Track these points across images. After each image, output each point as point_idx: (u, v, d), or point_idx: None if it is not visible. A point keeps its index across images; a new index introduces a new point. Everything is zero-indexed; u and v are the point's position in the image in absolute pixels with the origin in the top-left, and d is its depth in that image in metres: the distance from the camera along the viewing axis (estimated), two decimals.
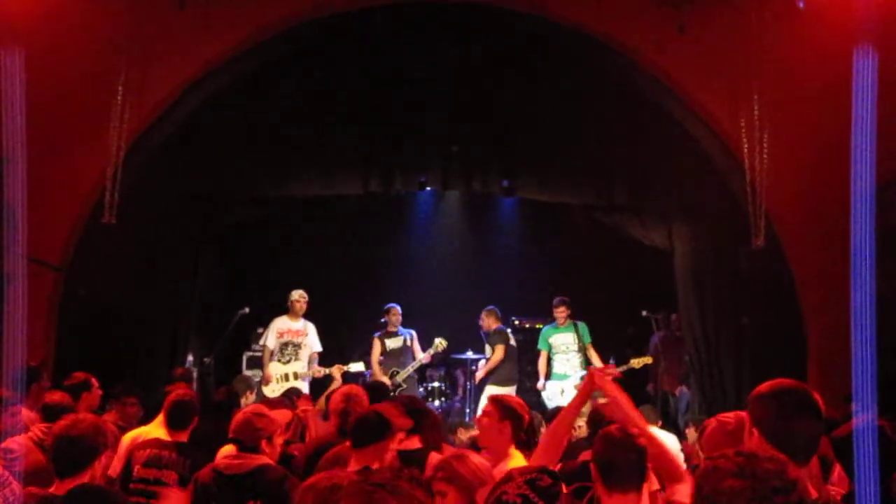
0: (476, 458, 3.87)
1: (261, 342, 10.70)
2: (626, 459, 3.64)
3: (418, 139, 10.83)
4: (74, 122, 9.05)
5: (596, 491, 3.74)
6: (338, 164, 10.97)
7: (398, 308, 10.93)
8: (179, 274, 11.04)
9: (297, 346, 10.58)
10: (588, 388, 4.26)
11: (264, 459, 4.68)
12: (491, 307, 11.14)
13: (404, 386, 10.39)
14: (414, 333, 10.90)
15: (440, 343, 10.67)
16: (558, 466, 4.28)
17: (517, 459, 4.53)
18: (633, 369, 10.56)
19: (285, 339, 10.57)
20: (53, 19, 8.19)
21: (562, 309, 10.83)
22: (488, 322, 11.02)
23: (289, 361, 10.50)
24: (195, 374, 10.27)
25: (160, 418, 5.78)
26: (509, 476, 2.99)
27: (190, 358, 11.17)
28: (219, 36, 9.50)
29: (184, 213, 10.65)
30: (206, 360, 10.90)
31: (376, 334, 10.84)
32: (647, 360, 10.65)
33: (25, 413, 6.76)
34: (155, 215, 10.07)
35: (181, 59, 9.46)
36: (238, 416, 4.89)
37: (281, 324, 10.64)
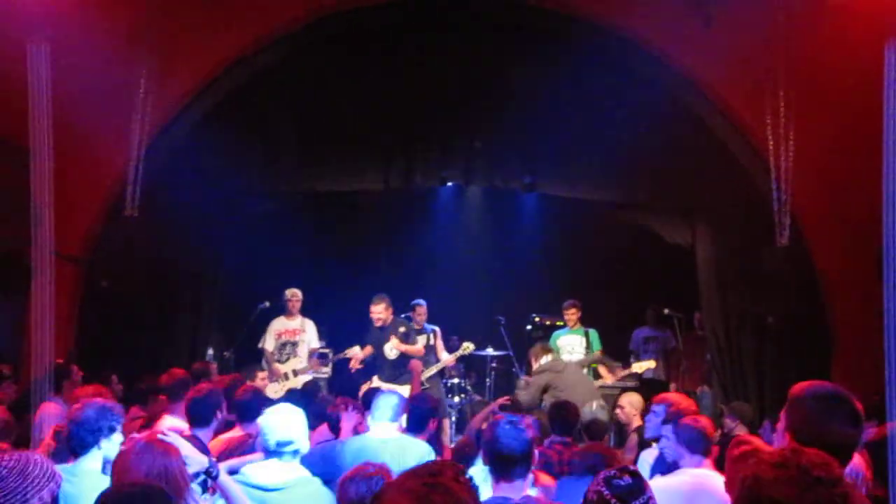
0: None
1: (259, 345, 10.72)
2: (513, 449, 3.78)
3: (440, 134, 10.80)
4: (97, 114, 9.07)
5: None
6: (359, 159, 10.96)
7: (425, 305, 10.84)
8: (200, 267, 11.07)
9: (295, 345, 10.61)
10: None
11: (301, 470, 4.40)
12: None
13: (427, 385, 10.34)
14: (438, 330, 10.83)
15: (467, 347, 10.61)
16: None
17: None
18: (637, 374, 10.56)
19: (283, 339, 10.63)
20: (77, 12, 8.21)
21: (572, 311, 10.72)
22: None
23: (287, 360, 10.54)
24: (215, 368, 10.28)
25: None
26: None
27: (210, 351, 11.21)
28: (242, 29, 9.53)
29: (205, 206, 10.67)
30: (225, 353, 10.92)
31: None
32: (650, 364, 10.61)
33: (55, 408, 6.85)
34: (176, 208, 10.09)
35: (204, 52, 9.48)
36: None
37: (278, 325, 10.68)
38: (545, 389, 9.16)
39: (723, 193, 10.21)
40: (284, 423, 4.38)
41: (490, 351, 11.85)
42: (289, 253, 12.56)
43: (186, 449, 3.61)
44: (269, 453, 4.36)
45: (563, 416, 6.45)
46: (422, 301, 10.90)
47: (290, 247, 12.65)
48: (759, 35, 8.81)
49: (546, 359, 9.39)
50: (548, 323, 12.29)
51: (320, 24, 9.77)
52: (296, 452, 4.37)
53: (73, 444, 4.20)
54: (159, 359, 9.96)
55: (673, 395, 5.37)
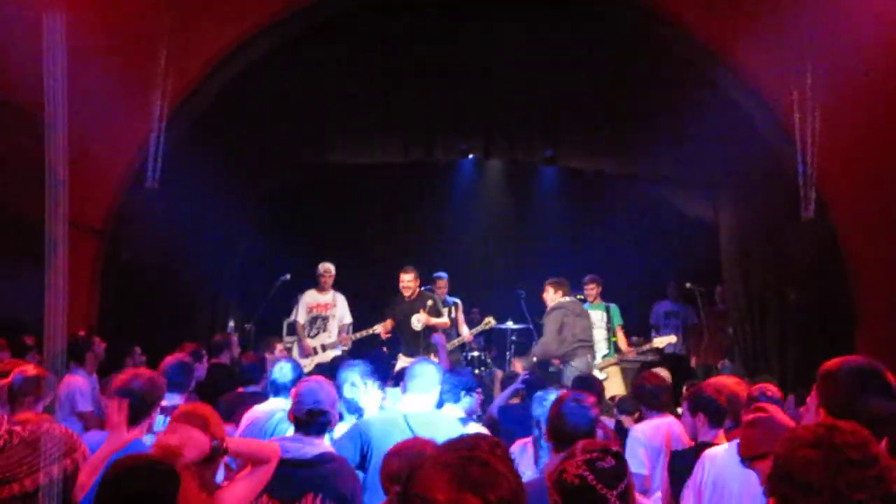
0: None
1: (291, 317, 10.70)
2: (579, 426, 3.83)
3: (460, 107, 10.72)
4: (117, 86, 9.05)
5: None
6: (379, 132, 10.91)
7: (446, 278, 10.82)
8: (221, 240, 11.08)
9: (325, 320, 10.56)
10: None
11: (326, 445, 4.30)
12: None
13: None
14: (459, 303, 10.81)
15: (489, 321, 10.58)
16: None
17: None
18: (658, 349, 10.49)
19: (314, 313, 10.57)
20: None
21: (592, 286, 10.62)
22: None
23: (317, 334, 10.51)
24: (236, 340, 10.33)
25: None
26: (572, 452, 2.84)
27: (231, 324, 11.25)
28: (261, 1, 9.46)
29: (225, 178, 10.66)
30: (246, 326, 10.95)
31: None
32: (671, 339, 10.53)
33: (81, 380, 6.91)
34: (197, 181, 10.09)
35: (224, 24, 9.43)
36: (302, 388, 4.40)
37: (310, 298, 10.62)
38: (560, 329, 9.35)
39: (747, 167, 10.08)
40: (316, 392, 4.28)
41: (510, 324, 11.80)
42: (309, 225, 12.58)
43: (184, 434, 3.53)
44: (299, 425, 4.27)
45: (587, 391, 6.42)
46: (443, 274, 10.89)
47: (309, 219, 12.66)
48: (786, 7, 8.66)
49: (562, 298, 9.46)
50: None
51: None
52: (325, 425, 4.27)
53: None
54: (181, 331, 10.01)
55: (694, 389, 5.32)
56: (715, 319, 11.26)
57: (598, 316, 10.49)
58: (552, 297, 9.68)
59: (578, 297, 10.75)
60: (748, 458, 3.71)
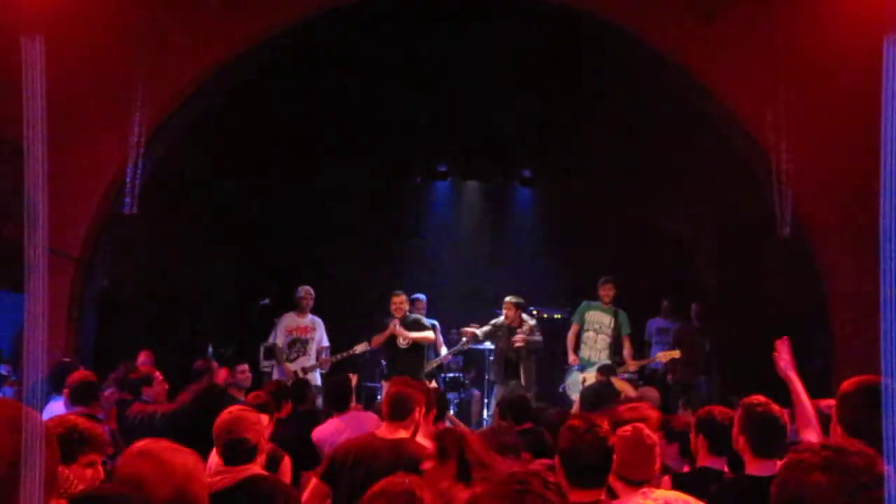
0: None
1: (269, 341, 10.63)
2: (591, 456, 3.46)
3: (439, 128, 10.77)
4: (94, 111, 9.04)
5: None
6: (357, 154, 10.93)
7: (424, 300, 10.83)
8: (200, 265, 11.03)
9: (305, 343, 10.46)
10: None
11: (253, 469, 4.20)
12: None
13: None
14: (437, 324, 10.80)
15: (466, 342, 10.59)
16: None
17: None
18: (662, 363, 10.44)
19: (293, 336, 10.48)
20: (73, 7, 8.18)
21: (608, 287, 10.14)
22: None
23: (296, 358, 10.41)
24: (216, 366, 10.26)
25: None
26: None
27: (210, 349, 11.16)
28: (239, 26, 9.47)
29: (204, 203, 10.64)
30: (222, 350, 10.86)
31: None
32: (675, 353, 10.26)
33: (62, 408, 6.85)
34: (175, 206, 10.06)
35: (201, 49, 9.43)
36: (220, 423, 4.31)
37: (289, 321, 10.52)
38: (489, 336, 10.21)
39: (724, 186, 10.18)
40: (229, 423, 4.21)
41: (489, 345, 11.77)
42: (287, 249, 12.55)
43: None
44: (224, 459, 4.18)
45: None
46: (421, 296, 10.89)
47: (288, 243, 12.63)
48: (760, 28, 8.78)
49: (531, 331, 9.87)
50: (545, 316, 12.22)
51: (316, 20, 9.73)
52: (250, 451, 4.18)
53: None
54: (159, 357, 9.96)
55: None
56: (690, 337, 11.26)
57: (606, 319, 10.14)
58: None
59: (556, 315, 10.73)
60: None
